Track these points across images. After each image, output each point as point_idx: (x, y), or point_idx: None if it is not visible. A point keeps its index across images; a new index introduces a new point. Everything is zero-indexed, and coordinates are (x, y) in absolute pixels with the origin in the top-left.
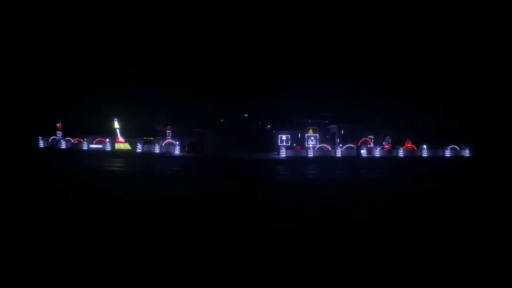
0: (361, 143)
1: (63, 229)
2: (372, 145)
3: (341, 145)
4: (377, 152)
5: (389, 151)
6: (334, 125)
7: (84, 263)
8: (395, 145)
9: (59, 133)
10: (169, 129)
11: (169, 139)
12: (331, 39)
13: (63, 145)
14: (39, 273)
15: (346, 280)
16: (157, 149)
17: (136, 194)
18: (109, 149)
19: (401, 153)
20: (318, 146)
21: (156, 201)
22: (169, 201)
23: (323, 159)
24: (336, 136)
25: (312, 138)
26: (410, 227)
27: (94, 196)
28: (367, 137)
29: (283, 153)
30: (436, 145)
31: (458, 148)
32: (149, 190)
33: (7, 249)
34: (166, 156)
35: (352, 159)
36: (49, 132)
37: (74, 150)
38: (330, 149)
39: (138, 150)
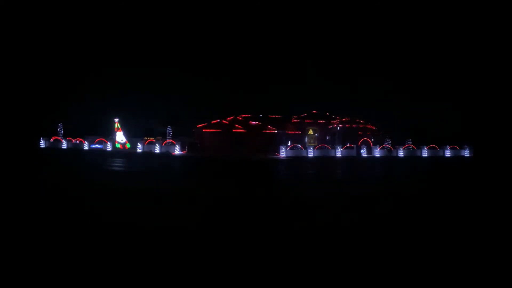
0: (361, 143)
1: (64, 228)
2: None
3: (341, 145)
4: (377, 152)
5: (389, 151)
6: (335, 125)
7: (84, 261)
8: (395, 145)
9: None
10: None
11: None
12: (331, 39)
13: (64, 145)
14: (40, 271)
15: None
16: (157, 149)
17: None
18: (109, 149)
19: (401, 153)
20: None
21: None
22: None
23: (323, 159)
24: (336, 136)
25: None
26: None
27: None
28: (367, 137)
29: (283, 153)
30: (437, 145)
31: (458, 148)
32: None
33: (8, 248)
34: (168, 156)
35: (352, 159)
36: (50, 132)
37: (75, 150)
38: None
39: (139, 150)
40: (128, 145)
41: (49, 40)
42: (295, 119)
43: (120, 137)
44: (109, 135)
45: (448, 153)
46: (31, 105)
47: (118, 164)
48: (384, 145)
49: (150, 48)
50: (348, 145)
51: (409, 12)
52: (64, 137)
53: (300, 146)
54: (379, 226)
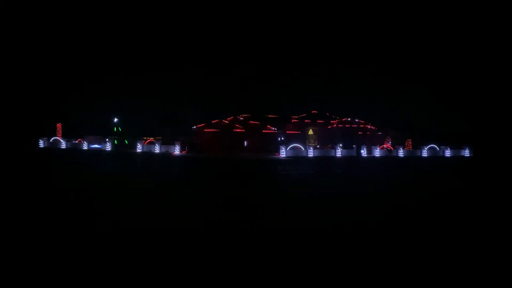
0: (361, 143)
1: (64, 229)
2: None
3: (341, 145)
4: (377, 152)
5: (389, 151)
6: (335, 125)
7: (84, 263)
8: (395, 145)
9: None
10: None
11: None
12: (332, 38)
13: (63, 145)
14: (40, 273)
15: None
16: (157, 149)
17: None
18: (109, 149)
19: (401, 153)
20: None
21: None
22: None
23: (323, 159)
24: (336, 136)
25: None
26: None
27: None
28: (367, 137)
29: (282, 153)
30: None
31: (458, 148)
32: None
33: (7, 249)
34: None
35: (352, 159)
36: (49, 132)
37: (74, 150)
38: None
39: (138, 150)
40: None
41: (49, 40)
42: (295, 119)
43: (119, 137)
44: (109, 135)
45: (448, 153)
46: (30, 105)
47: (117, 165)
48: (384, 145)
49: (150, 48)
50: (348, 145)
51: (410, 11)
52: (63, 137)
53: (300, 146)
54: (384, 227)
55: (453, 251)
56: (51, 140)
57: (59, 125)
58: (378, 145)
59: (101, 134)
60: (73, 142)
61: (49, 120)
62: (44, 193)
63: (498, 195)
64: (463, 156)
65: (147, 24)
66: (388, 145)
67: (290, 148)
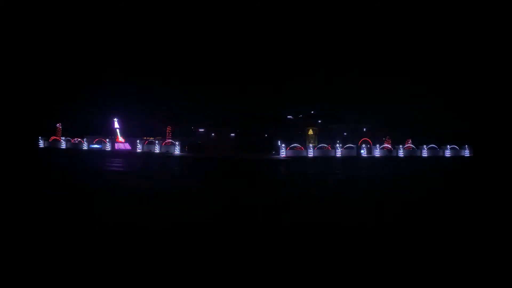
0: (361, 143)
1: (64, 228)
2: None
3: (341, 145)
4: (377, 152)
5: (389, 151)
6: (335, 125)
7: (84, 260)
8: (395, 145)
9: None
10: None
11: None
12: (331, 38)
13: (63, 145)
14: (40, 271)
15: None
16: (157, 149)
17: None
18: (109, 149)
19: (401, 153)
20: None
21: None
22: None
23: (323, 159)
24: (336, 136)
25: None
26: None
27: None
28: (367, 137)
29: (283, 153)
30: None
31: (458, 148)
32: None
33: (8, 247)
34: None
35: (353, 159)
36: (49, 132)
37: (74, 150)
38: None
39: (138, 150)
40: (127, 145)
41: (50, 41)
42: (295, 119)
43: (119, 137)
44: (109, 134)
45: (448, 153)
46: (31, 105)
47: (117, 165)
48: (384, 145)
49: (150, 48)
50: (348, 145)
51: (410, 11)
52: (64, 137)
53: (300, 146)
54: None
55: (452, 250)
56: (50, 140)
57: (59, 125)
58: (378, 145)
59: (101, 134)
60: (73, 142)
61: (49, 120)
62: (44, 193)
63: (498, 195)
64: (463, 156)
65: (147, 25)
66: (388, 145)
67: (290, 148)
